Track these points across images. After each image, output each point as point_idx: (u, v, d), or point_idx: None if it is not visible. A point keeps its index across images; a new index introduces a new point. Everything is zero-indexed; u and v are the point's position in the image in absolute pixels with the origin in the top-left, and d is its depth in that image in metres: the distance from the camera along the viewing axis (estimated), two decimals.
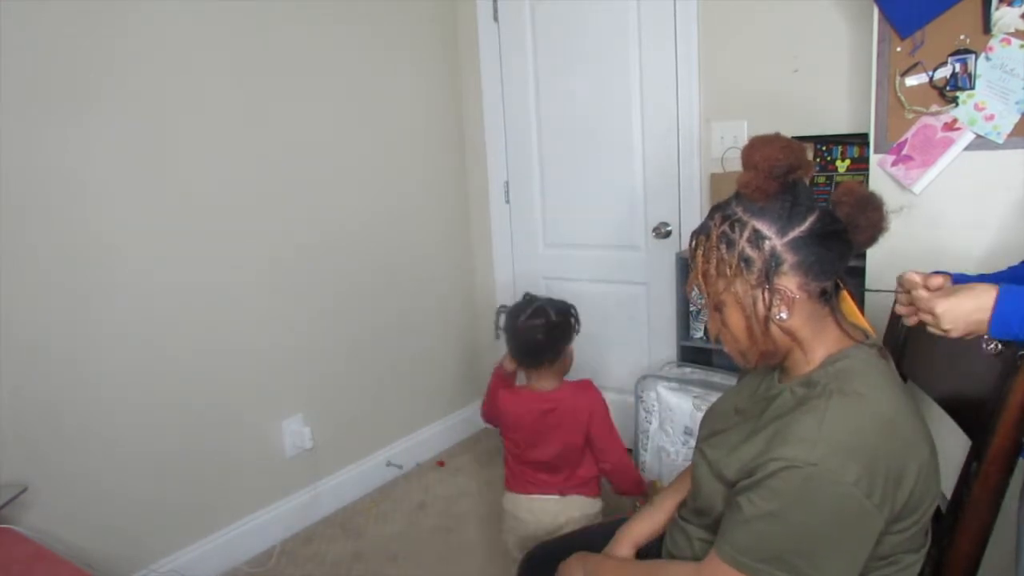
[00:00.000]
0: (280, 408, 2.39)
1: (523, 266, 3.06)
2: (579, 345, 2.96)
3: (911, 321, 1.07)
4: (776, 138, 0.99)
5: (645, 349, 2.78)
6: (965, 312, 0.98)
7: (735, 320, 1.01)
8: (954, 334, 0.99)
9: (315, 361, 2.49)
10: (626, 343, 2.82)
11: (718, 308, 1.03)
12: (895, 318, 1.37)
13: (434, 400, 3.01)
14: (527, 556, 1.40)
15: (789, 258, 0.96)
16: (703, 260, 1.01)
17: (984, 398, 1.01)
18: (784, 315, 0.97)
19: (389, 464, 2.78)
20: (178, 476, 2.10)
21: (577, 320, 1.88)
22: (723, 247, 0.98)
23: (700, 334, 2.44)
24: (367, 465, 2.71)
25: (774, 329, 0.99)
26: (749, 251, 0.96)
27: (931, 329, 1.02)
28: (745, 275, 0.97)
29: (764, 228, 0.96)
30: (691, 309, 2.47)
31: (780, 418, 0.97)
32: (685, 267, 2.42)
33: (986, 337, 1.00)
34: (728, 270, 0.98)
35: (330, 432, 2.55)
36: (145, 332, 2.00)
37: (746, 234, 0.97)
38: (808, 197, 0.99)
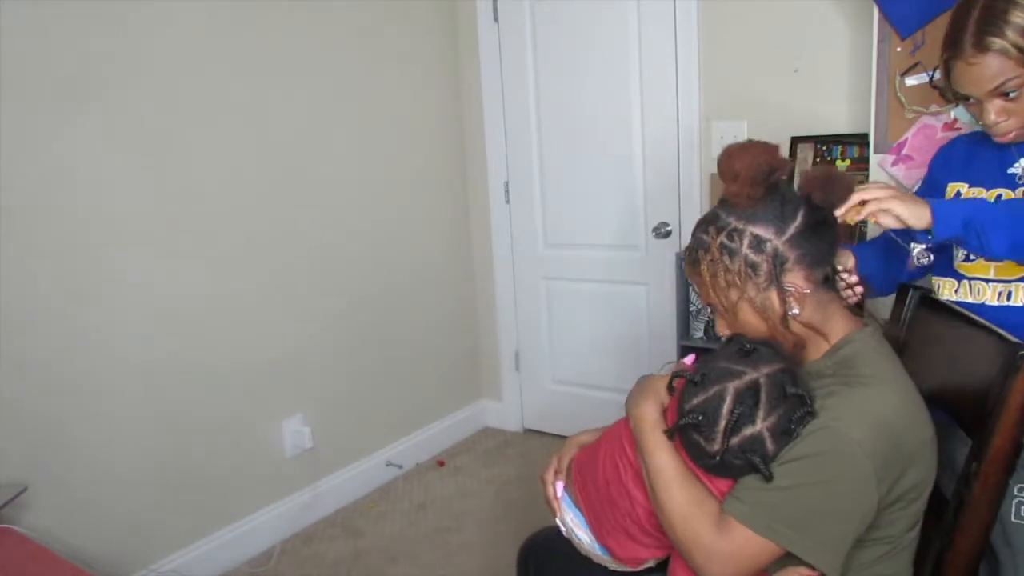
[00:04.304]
0: (280, 408, 2.39)
1: (523, 266, 3.06)
2: (578, 346, 2.99)
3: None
4: (751, 144, 1.02)
5: (645, 349, 2.78)
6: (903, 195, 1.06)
7: (755, 325, 1.02)
8: (894, 204, 1.03)
9: (315, 361, 2.49)
10: (626, 343, 2.82)
11: (734, 316, 1.05)
12: (894, 319, 1.37)
13: (434, 400, 3.01)
14: (526, 544, 1.39)
15: (792, 255, 0.98)
16: (710, 275, 1.02)
17: (984, 398, 1.01)
18: (796, 310, 1.00)
19: (389, 464, 2.78)
20: (178, 476, 2.10)
21: None
22: (726, 258, 1.00)
23: (700, 334, 2.44)
24: (367, 465, 2.71)
25: (793, 324, 1.01)
26: (753, 256, 0.98)
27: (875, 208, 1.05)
28: (754, 279, 0.99)
29: (762, 232, 0.98)
30: (691, 309, 2.47)
31: None
32: None
33: (916, 252, 1.07)
34: (737, 279, 0.99)
35: (330, 432, 2.55)
36: (145, 332, 2.00)
37: (746, 241, 0.99)
38: (792, 192, 1.02)
